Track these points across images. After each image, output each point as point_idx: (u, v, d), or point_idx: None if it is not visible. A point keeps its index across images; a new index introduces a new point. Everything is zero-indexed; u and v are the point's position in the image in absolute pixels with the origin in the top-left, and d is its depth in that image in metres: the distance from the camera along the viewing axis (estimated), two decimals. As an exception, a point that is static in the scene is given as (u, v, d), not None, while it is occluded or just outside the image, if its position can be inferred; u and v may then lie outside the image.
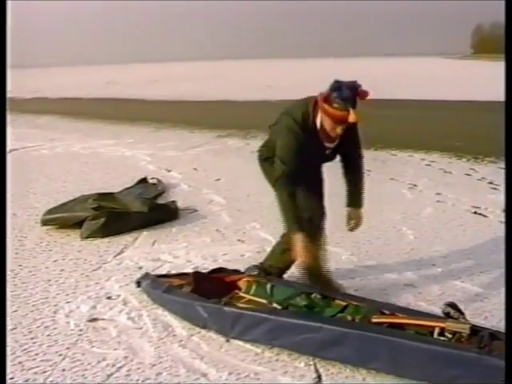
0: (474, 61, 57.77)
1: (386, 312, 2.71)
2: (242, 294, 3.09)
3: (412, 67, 44.21)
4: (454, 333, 2.45)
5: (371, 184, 6.25)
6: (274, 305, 2.91)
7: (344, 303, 2.84)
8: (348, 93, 2.68)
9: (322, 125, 2.83)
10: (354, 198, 3.12)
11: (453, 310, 2.53)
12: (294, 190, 2.90)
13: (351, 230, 3.17)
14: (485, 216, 4.85)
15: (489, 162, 7.10)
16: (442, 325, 2.49)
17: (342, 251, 4.06)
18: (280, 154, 2.89)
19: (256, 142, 9.52)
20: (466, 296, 3.29)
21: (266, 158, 3.08)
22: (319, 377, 2.53)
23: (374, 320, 2.62)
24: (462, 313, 2.53)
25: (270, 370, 2.59)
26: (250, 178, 6.66)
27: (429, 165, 7.09)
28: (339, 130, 2.80)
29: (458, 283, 3.49)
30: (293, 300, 2.93)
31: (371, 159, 7.70)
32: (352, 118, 2.69)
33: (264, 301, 2.98)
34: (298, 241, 2.86)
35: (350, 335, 2.50)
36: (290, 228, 2.90)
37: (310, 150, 2.87)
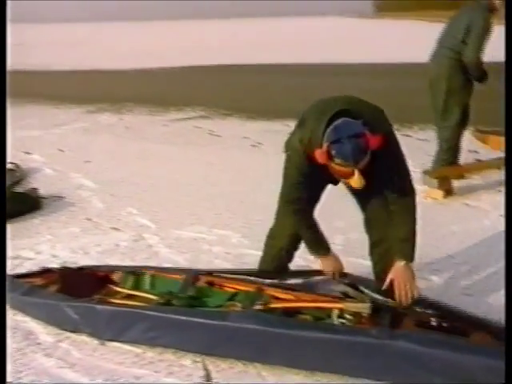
0: (377, 20, 60.00)
1: (281, 295, 2.76)
2: (117, 289, 3.02)
3: (313, 27, 45.30)
4: (354, 314, 2.54)
5: (262, 157, 6.46)
6: (155, 298, 2.86)
7: (233, 290, 2.86)
8: (349, 148, 2.35)
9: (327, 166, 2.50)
10: (397, 246, 2.67)
11: (351, 289, 2.62)
12: (304, 215, 2.81)
13: (400, 303, 2.59)
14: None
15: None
16: (340, 306, 2.57)
17: (231, 234, 4.09)
18: (286, 187, 2.80)
19: (131, 118, 9.39)
20: (368, 273, 3.42)
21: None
22: (208, 375, 2.53)
23: (269, 306, 2.66)
24: (361, 291, 2.63)
25: (152, 371, 2.57)
26: (125, 159, 6.54)
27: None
28: (353, 183, 2.44)
29: (360, 261, 3.63)
30: (177, 291, 2.90)
31: (263, 131, 7.84)
32: (356, 182, 2.39)
33: (144, 295, 2.93)
34: (325, 265, 2.84)
35: (240, 330, 2.53)
36: (317, 254, 2.86)
37: (316, 180, 2.72)
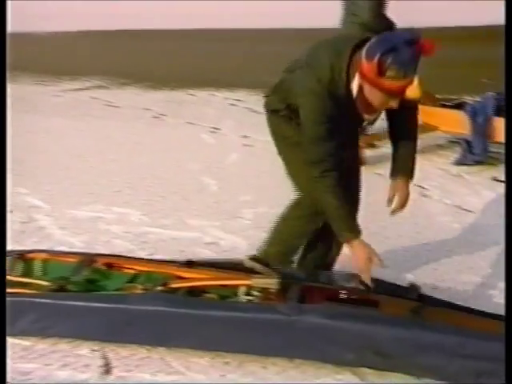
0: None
1: (185, 275, 2.75)
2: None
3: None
4: (261, 290, 2.56)
5: (165, 130, 6.39)
6: (47, 285, 2.77)
7: (133, 271, 2.81)
8: (409, 54, 2.16)
9: (361, 93, 2.34)
10: (399, 164, 2.69)
11: (258, 265, 2.64)
12: (338, 182, 2.46)
13: (393, 211, 2.73)
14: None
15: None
16: (247, 282, 2.58)
17: (131, 211, 4.02)
18: (311, 143, 2.44)
19: (18, 88, 8.96)
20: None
21: (275, 110, 2.65)
22: (107, 364, 2.49)
23: (172, 286, 2.64)
24: (267, 266, 2.65)
25: (42, 365, 2.48)
26: (13, 133, 6.25)
27: (234, 104, 7.29)
28: (394, 103, 2.31)
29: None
30: (72, 275, 2.82)
31: (164, 101, 7.73)
32: (414, 92, 2.22)
33: (35, 281, 2.83)
34: (360, 250, 2.46)
35: (140, 313, 2.49)
36: (346, 235, 2.49)
37: (342, 126, 2.44)
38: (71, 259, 2.96)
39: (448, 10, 13.26)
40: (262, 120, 5.91)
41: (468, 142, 4.79)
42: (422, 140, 5.31)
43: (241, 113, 6.84)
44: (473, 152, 4.87)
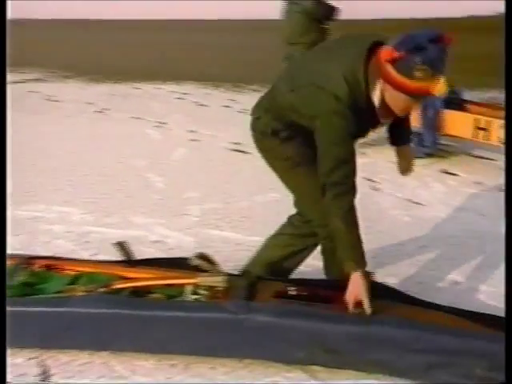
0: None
1: (130, 275, 2.71)
2: None
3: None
4: (208, 288, 2.55)
5: (109, 125, 6.32)
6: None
7: (74, 273, 2.77)
8: (436, 52, 2.11)
9: (383, 101, 2.30)
10: (402, 134, 2.73)
11: (204, 262, 2.62)
12: (351, 206, 2.38)
13: (405, 171, 2.78)
14: (246, 152, 5.15)
15: (251, 90, 7.52)
16: (194, 280, 2.57)
17: (73, 210, 3.96)
18: (330, 166, 2.33)
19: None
20: (226, 246, 3.46)
21: (272, 131, 2.54)
22: (45, 372, 2.44)
23: (115, 287, 2.60)
24: (213, 263, 2.64)
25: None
26: None
27: (181, 98, 7.26)
28: (417, 105, 2.34)
29: (217, 232, 3.67)
30: (10, 278, 2.76)
31: (108, 95, 7.64)
32: (442, 88, 2.15)
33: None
34: (359, 283, 2.35)
35: (81, 316, 2.45)
36: (352, 265, 2.37)
37: (358, 138, 2.44)
38: (8, 262, 2.89)
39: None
40: (209, 114, 5.93)
41: (418, 135, 4.87)
42: (373, 134, 5.43)
43: (188, 107, 6.81)
44: (423, 145, 4.96)
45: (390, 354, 2.30)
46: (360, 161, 4.87)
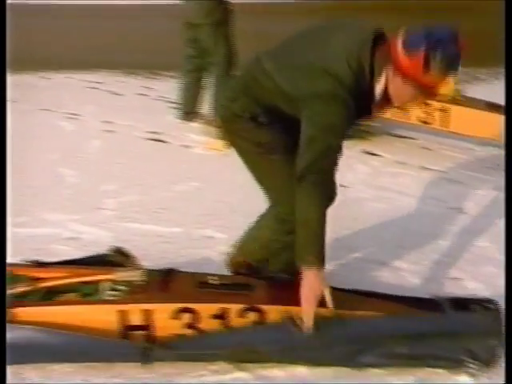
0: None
1: (44, 275, 2.64)
2: None
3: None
4: (127, 283, 2.51)
5: (17, 117, 6.08)
6: None
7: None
8: (455, 50, 2.15)
9: (385, 91, 2.30)
10: None
11: (120, 257, 2.58)
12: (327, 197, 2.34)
13: None
14: (164, 141, 5.09)
15: (167, 76, 7.40)
16: (110, 276, 2.52)
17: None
18: (318, 154, 2.25)
19: None
20: (145, 239, 3.42)
21: (254, 115, 2.45)
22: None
23: (24, 289, 2.53)
24: (130, 258, 2.60)
25: None
26: None
27: (94, 87, 7.09)
28: (418, 101, 2.36)
29: (135, 225, 3.61)
30: None
31: (14, 85, 7.35)
32: (449, 89, 2.29)
33: None
34: (317, 282, 2.29)
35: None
36: (311, 260, 2.29)
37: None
38: None
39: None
40: (125, 103, 5.80)
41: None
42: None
43: (101, 96, 6.66)
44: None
45: (317, 347, 2.35)
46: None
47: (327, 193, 2.33)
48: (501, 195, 3.96)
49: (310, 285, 2.27)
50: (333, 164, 2.30)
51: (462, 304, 2.45)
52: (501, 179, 4.15)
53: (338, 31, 2.38)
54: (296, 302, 2.32)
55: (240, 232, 3.47)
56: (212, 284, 2.51)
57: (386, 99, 2.31)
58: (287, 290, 2.46)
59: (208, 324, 2.40)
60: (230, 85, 2.60)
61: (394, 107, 2.40)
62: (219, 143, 4.79)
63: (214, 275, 2.57)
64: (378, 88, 2.29)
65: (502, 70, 7.17)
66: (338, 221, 3.58)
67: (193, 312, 2.39)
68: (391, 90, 2.28)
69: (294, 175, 2.28)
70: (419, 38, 2.14)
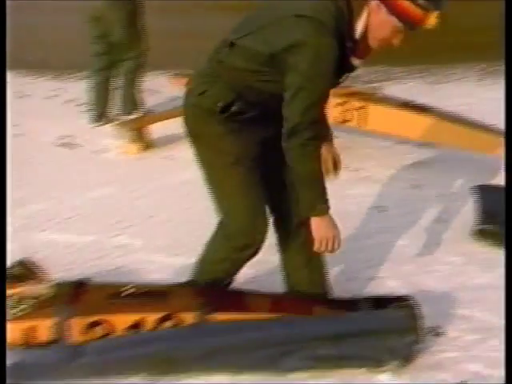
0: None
1: None
2: None
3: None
4: (33, 298, 2.45)
5: None
6: None
7: None
8: None
9: (366, 32, 2.28)
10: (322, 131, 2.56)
11: (23, 269, 2.52)
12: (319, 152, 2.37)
13: (330, 172, 2.66)
14: (75, 145, 5.00)
15: (78, 78, 7.23)
16: (15, 291, 2.46)
17: None
18: (303, 108, 2.24)
19: None
20: (55, 249, 3.34)
21: (227, 105, 2.35)
22: None
23: None
24: (35, 271, 2.54)
25: None
26: None
27: (-1, 89, 6.88)
28: (397, 41, 2.28)
29: (44, 235, 3.52)
30: None
31: None
32: (434, 22, 2.20)
33: None
34: (329, 228, 2.40)
35: None
36: (320, 208, 2.38)
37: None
38: None
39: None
40: (32, 105, 5.61)
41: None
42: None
43: (7, 98, 6.46)
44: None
45: (231, 356, 2.35)
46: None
47: (319, 146, 2.35)
48: (420, 193, 4.08)
49: (325, 229, 2.39)
50: (323, 110, 2.34)
51: (380, 303, 2.51)
52: (420, 176, 4.29)
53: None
54: (213, 307, 2.35)
55: (157, 239, 3.47)
56: (126, 294, 2.47)
57: (366, 43, 2.30)
58: (204, 296, 2.48)
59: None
60: (195, 81, 2.46)
61: (372, 50, 2.35)
62: (133, 147, 4.75)
63: (127, 285, 2.54)
64: (359, 27, 2.27)
65: (419, 69, 7.45)
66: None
67: (106, 324, 2.35)
68: (373, 26, 2.26)
69: (285, 130, 2.27)
70: None
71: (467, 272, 3.18)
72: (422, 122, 4.32)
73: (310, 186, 2.37)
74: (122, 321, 2.37)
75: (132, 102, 5.41)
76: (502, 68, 7.23)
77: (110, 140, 4.88)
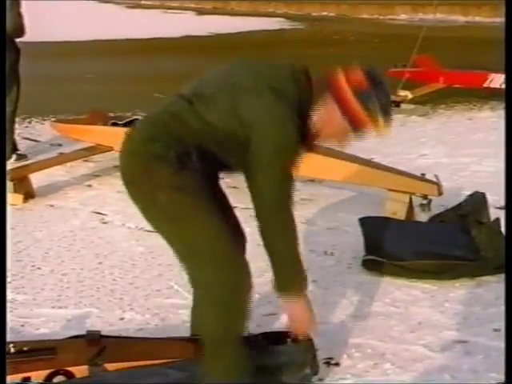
0: None
1: None
2: None
3: None
4: None
5: None
6: None
7: None
8: (386, 99, 2.27)
9: (321, 122, 2.28)
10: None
11: None
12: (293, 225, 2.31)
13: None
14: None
15: None
16: None
17: None
18: (274, 184, 2.22)
19: None
20: None
21: (178, 155, 2.19)
22: None
23: None
24: None
25: None
26: None
27: None
28: (344, 143, 2.34)
29: None
30: None
31: None
32: (383, 131, 2.24)
33: None
34: (304, 309, 2.34)
35: None
36: (296, 291, 2.33)
37: None
38: None
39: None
40: None
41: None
42: (99, 163, 5.38)
43: None
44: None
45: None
46: (86, 194, 4.84)
47: (292, 223, 2.31)
48: (309, 228, 4.14)
49: (300, 312, 2.35)
50: (293, 190, 2.30)
51: (275, 337, 2.52)
52: (308, 212, 4.36)
53: (260, 64, 2.43)
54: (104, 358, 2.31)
55: (43, 291, 3.35)
56: (10, 353, 2.36)
57: (317, 132, 2.32)
58: (94, 346, 2.42)
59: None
60: (141, 129, 2.37)
61: (322, 141, 2.38)
62: (16, 197, 4.60)
63: (11, 343, 2.42)
64: (316, 116, 2.28)
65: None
66: (148, 267, 3.57)
67: None
68: (324, 119, 2.28)
69: (261, 208, 2.24)
70: (367, 75, 2.21)
71: (358, 302, 3.25)
72: (308, 158, 4.39)
73: (286, 265, 2.32)
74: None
75: (10, 150, 5.44)
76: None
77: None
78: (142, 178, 2.24)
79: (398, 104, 7.51)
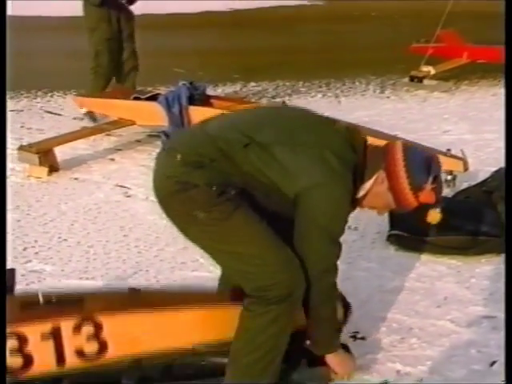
0: None
1: None
2: None
3: None
4: None
5: None
6: None
7: None
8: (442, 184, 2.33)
9: (365, 194, 2.28)
10: None
11: None
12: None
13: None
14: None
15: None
16: None
17: None
18: (328, 245, 2.22)
19: None
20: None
21: (212, 186, 2.14)
22: None
23: None
24: None
25: None
26: None
27: None
28: (382, 212, 2.48)
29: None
30: None
31: None
32: (435, 218, 2.35)
33: None
34: (344, 360, 2.44)
35: None
36: (335, 345, 2.40)
37: None
38: None
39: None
40: None
41: (167, 134, 4.93)
42: (121, 137, 5.41)
43: None
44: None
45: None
46: (109, 168, 4.87)
47: (336, 287, 2.34)
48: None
49: (345, 363, 2.44)
50: (339, 254, 2.28)
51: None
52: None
53: (316, 119, 2.41)
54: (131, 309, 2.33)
55: (70, 263, 3.39)
56: (38, 303, 2.36)
57: (358, 200, 2.31)
58: (121, 298, 2.43)
59: (38, 347, 2.24)
60: (183, 154, 2.22)
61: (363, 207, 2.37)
62: (40, 170, 4.64)
63: (39, 293, 2.40)
64: (367, 185, 2.27)
65: (322, 83, 7.62)
66: (175, 240, 3.60)
67: (17, 336, 2.24)
68: (372, 192, 2.27)
69: (311, 270, 2.21)
70: (423, 167, 2.21)
71: (382, 276, 3.26)
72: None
73: (329, 326, 2.36)
74: (33, 330, 2.23)
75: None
76: (403, 81, 7.62)
77: (17, 164, 4.74)
78: (180, 199, 2.20)
79: (420, 80, 7.46)
